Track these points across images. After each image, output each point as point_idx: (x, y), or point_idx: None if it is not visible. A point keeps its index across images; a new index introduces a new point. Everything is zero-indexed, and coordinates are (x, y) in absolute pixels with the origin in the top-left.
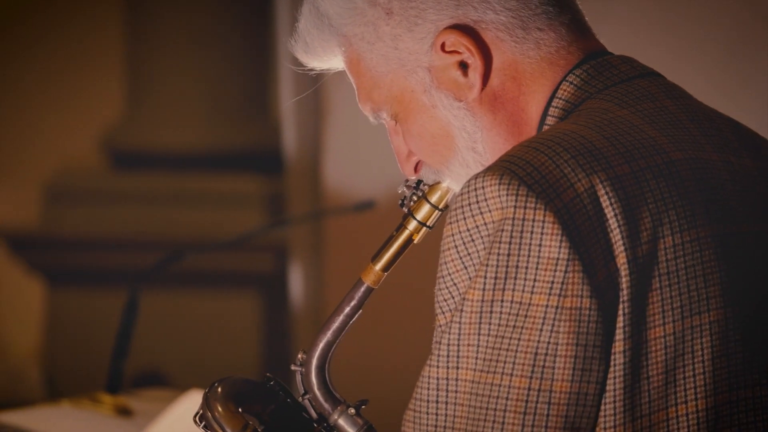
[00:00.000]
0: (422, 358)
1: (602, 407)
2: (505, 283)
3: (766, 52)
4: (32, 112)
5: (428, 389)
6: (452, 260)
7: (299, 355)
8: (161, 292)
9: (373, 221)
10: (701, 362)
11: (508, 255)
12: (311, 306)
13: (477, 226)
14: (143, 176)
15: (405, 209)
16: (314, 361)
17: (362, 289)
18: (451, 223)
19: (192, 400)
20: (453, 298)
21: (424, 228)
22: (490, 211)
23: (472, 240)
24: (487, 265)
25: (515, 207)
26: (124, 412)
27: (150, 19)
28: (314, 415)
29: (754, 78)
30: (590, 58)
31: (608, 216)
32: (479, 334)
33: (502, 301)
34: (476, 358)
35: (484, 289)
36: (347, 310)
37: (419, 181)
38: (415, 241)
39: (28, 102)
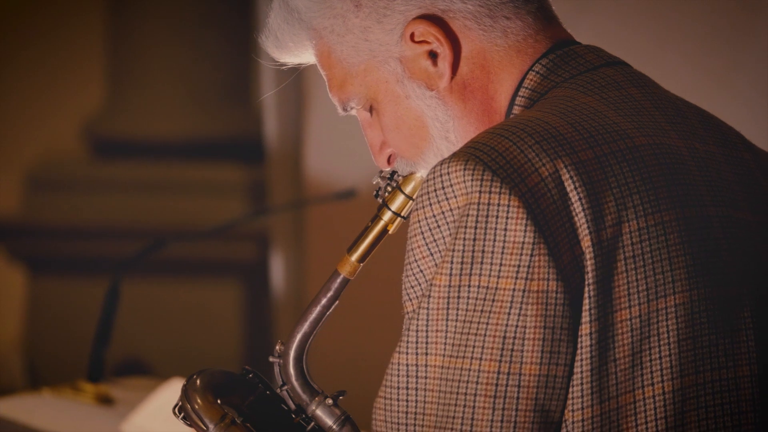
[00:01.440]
0: None
1: (570, 389)
2: (471, 268)
3: (750, 39)
4: (13, 100)
5: (398, 376)
6: (418, 247)
7: (277, 347)
8: (143, 280)
9: (354, 210)
10: (667, 344)
11: (474, 240)
12: (292, 294)
13: (443, 212)
14: (125, 164)
15: (380, 200)
16: (292, 353)
17: (338, 280)
18: (417, 209)
19: (173, 389)
20: (420, 284)
21: (399, 218)
22: (455, 197)
23: (438, 226)
24: (453, 251)
25: (480, 192)
26: (106, 400)
27: (131, 7)
28: (293, 405)
29: (741, 65)
30: (557, 47)
31: (573, 200)
32: (447, 320)
33: (469, 286)
34: (445, 344)
35: (450, 275)
36: (324, 301)
37: (393, 172)
38: (390, 232)
39: (8, 90)
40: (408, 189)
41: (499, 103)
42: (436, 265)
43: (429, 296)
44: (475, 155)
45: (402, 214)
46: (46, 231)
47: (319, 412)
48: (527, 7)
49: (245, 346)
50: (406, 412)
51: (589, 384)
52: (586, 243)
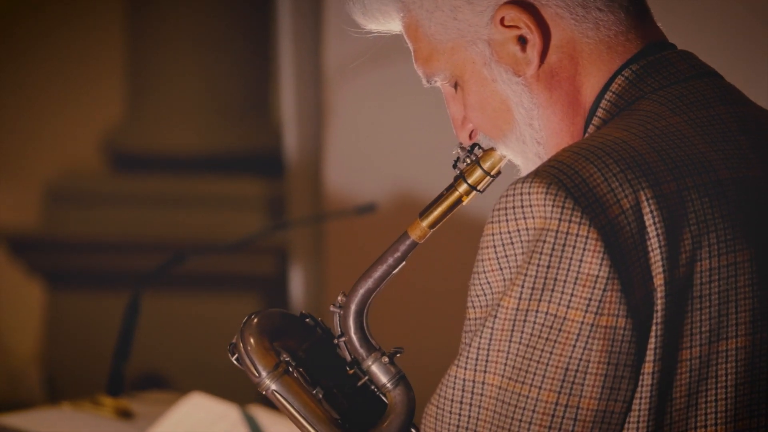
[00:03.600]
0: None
1: (626, 426)
2: (542, 294)
3: (764, 51)
4: (33, 114)
5: (453, 389)
6: (489, 259)
7: (339, 298)
8: (162, 294)
9: (374, 224)
10: (724, 387)
11: (548, 267)
12: (312, 308)
13: (518, 230)
14: (144, 178)
15: (457, 171)
16: (353, 306)
17: (407, 242)
18: (492, 222)
19: (193, 403)
20: (485, 295)
21: (474, 191)
22: (533, 218)
23: (512, 243)
24: (525, 275)
25: (560, 220)
26: (125, 414)
27: (151, 20)
28: (348, 357)
29: (754, 77)
30: (649, 49)
31: (651, 235)
32: (510, 341)
33: (537, 311)
34: (505, 365)
35: (520, 298)
36: (390, 260)
37: (474, 145)
38: (464, 203)
39: (29, 103)
40: (486, 165)
41: (585, 97)
42: (504, 280)
43: (495, 316)
44: (559, 178)
45: (478, 188)
46: (65, 245)
47: (375, 368)
48: (620, 1)
49: None
50: (458, 426)
51: (646, 423)
52: (659, 280)
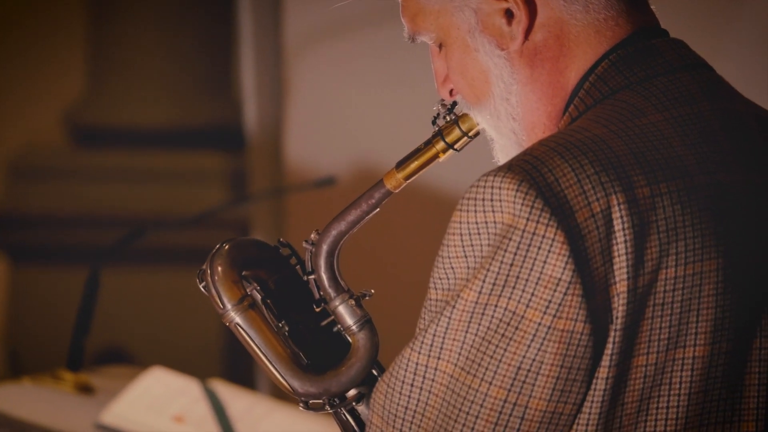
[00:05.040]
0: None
1: (575, 427)
2: (502, 290)
3: (733, 26)
4: None
5: (406, 370)
6: (455, 246)
7: (312, 235)
8: (123, 269)
9: (334, 197)
10: (677, 395)
11: (511, 265)
12: None
13: (486, 222)
14: (105, 153)
15: (435, 128)
16: (324, 246)
17: (382, 191)
18: (461, 210)
19: (153, 378)
20: (448, 279)
21: (451, 150)
22: (502, 213)
23: (479, 233)
24: (488, 269)
25: (528, 219)
26: (86, 389)
27: None
28: (317, 295)
29: (723, 52)
30: (638, 35)
31: (618, 241)
32: (467, 332)
33: (496, 306)
34: (459, 355)
35: (480, 292)
36: (364, 206)
37: (454, 103)
38: (440, 160)
39: None
40: (465, 126)
41: (567, 79)
42: (468, 267)
43: (454, 306)
44: (532, 176)
45: (455, 147)
46: (26, 220)
47: (341, 309)
48: None
49: (225, 335)
50: (406, 407)
51: (595, 426)
52: (622, 287)
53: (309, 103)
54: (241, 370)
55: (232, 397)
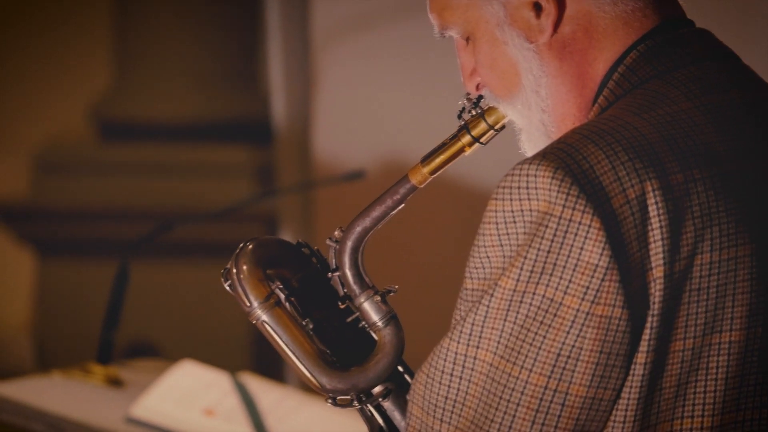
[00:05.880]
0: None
1: (614, 413)
2: (540, 278)
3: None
4: (21, 84)
5: (445, 360)
6: (490, 235)
7: (336, 232)
8: (150, 262)
9: (362, 191)
10: (714, 380)
11: (548, 252)
12: None
13: (522, 210)
14: (132, 147)
15: (461, 121)
16: (349, 242)
17: (407, 186)
18: (496, 198)
19: (183, 371)
20: (484, 268)
21: (477, 143)
22: (537, 200)
23: (514, 221)
24: (525, 257)
25: (564, 206)
26: (115, 382)
27: None
28: (341, 292)
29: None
30: (665, 26)
31: (654, 227)
32: (505, 320)
33: (533, 293)
34: (498, 343)
35: (518, 280)
36: (389, 202)
37: (480, 97)
38: (466, 154)
39: (17, 73)
40: (491, 119)
41: (596, 71)
42: (504, 256)
43: (492, 295)
44: (566, 163)
45: (481, 140)
46: (54, 214)
47: (366, 306)
48: None
49: (253, 328)
50: (446, 397)
51: (634, 411)
52: (658, 272)
53: (337, 97)
54: (269, 363)
55: (262, 390)
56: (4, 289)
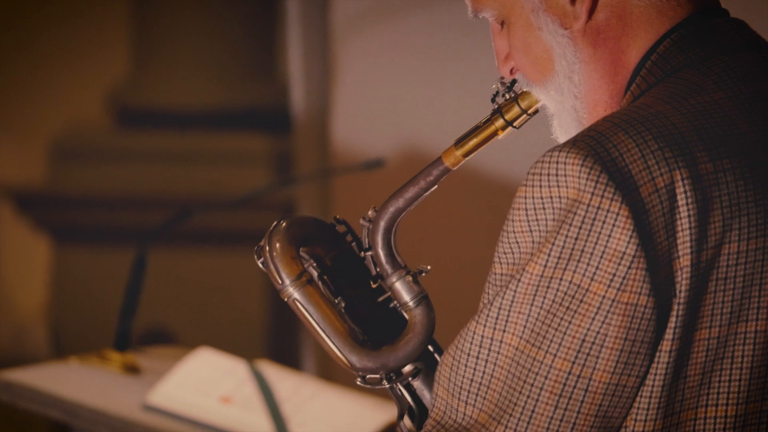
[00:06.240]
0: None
1: (638, 400)
2: (567, 264)
3: None
4: (39, 70)
5: (471, 343)
6: (520, 220)
7: (369, 212)
8: (168, 250)
9: (382, 179)
10: (739, 369)
11: (576, 239)
12: None
13: (551, 197)
14: (150, 134)
15: (495, 105)
16: (382, 222)
17: (440, 168)
18: (526, 185)
19: (200, 358)
20: (513, 253)
21: (510, 127)
22: (567, 188)
23: (543, 208)
24: (553, 243)
25: (593, 194)
26: (132, 369)
27: None
28: (373, 271)
29: None
30: (698, 15)
31: (682, 215)
32: (532, 305)
33: (561, 279)
34: (524, 327)
35: (545, 266)
36: (422, 183)
37: (514, 81)
38: (499, 137)
39: (35, 59)
40: (524, 103)
41: (629, 59)
42: (533, 242)
43: (519, 280)
44: (596, 151)
45: (514, 124)
46: (71, 201)
47: (398, 285)
48: None
49: (270, 316)
50: (471, 380)
51: (658, 399)
52: (685, 261)
53: (356, 85)
54: (286, 351)
55: (279, 378)
56: (21, 276)
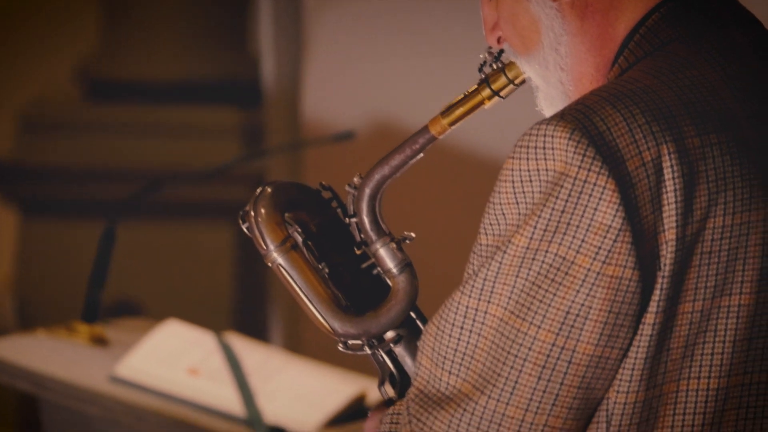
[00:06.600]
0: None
1: (621, 372)
2: (553, 236)
3: None
4: (7, 42)
5: (456, 314)
6: (506, 192)
7: (355, 179)
8: (137, 222)
9: (352, 152)
10: (722, 342)
11: (563, 211)
12: None
13: (538, 170)
14: (120, 107)
15: (482, 75)
16: (367, 189)
17: (426, 136)
18: (513, 157)
19: (168, 330)
20: (499, 224)
21: (496, 97)
22: (554, 161)
23: (530, 180)
24: (539, 216)
25: (579, 167)
26: (100, 341)
27: None
28: (358, 238)
29: None
30: None
31: (668, 189)
32: (517, 276)
33: (546, 251)
34: (509, 299)
35: (531, 237)
36: (408, 151)
37: (501, 51)
38: (485, 107)
39: (3, 32)
40: (511, 74)
41: (617, 32)
42: (519, 213)
43: (505, 251)
44: (584, 125)
45: (501, 94)
46: (39, 173)
47: (382, 252)
48: None
49: (239, 288)
50: (455, 350)
51: (641, 371)
52: (670, 235)
53: (327, 58)
54: (253, 324)
55: (247, 350)
56: None
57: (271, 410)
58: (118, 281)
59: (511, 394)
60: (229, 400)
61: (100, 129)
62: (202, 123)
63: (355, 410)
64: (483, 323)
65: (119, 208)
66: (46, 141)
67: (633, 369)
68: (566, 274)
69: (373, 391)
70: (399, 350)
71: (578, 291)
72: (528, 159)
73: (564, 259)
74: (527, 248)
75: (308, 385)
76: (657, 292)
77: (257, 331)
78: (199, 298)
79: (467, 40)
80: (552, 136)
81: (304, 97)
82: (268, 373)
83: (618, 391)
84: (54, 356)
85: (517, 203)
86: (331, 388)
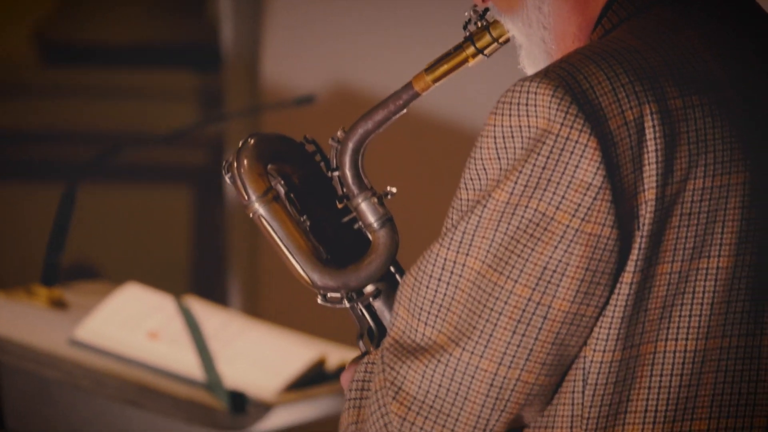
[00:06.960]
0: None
1: (597, 330)
2: (533, 192)
3: None
4: None
5: (434, 265)
6: (488, 148)
7: (338, 133)
8: (95, 185)
9: (312, 115)
10: (700, 304)
11: (543, 168)
12: None
13: (520, 126)
14: (77, 70)
15: (466, 33)
16: (350, 143)
17: (410, 92)
18: (495, 114)
19: (128, 294)
20: (480, 179)
21: (480, 55)
22: (536, 117)
23: (512, 136)
24: (520, 172)
25: (562, 125)
26: (59, 304)
27: None
28: (340, 192)
29: None
30: None
31: (649, 149)
32: (496, 230)
33: (526, 207)
34: (487, 252)
35: (512, 193)
36: (391, 107)
37: (486, 10)
38: (469, 65)
39: None
40: (495, 32)
41: None
42: (500, 169)
43: (484, 205)
44: (567, 83)
45: (485, 52)
46: None
47: (364, 206)
48: None
49: (198, 252)
50: (432, 301)
51: (617, 330)
52: (650, 195)
53: (287, 21)
54: (213, 287)
55: (207, 314)
56: None
57: (230, 374)
58: (77, 244)
59: (485, 347)
60: (188, 364)
61: (57, 92)
62: (161, 86)
63: (315, 375)
64: (460, 276)
65: (78, 171)
66: (3, 104)
67: (610, 328)
68: (545, 230)
69: (333, 356)
70: (378, 304)
71: (556, 247)
72: (510, 115)
73: (543, 215)
74: (507, 203)
75: (268, 350)
76: (635, 251)
77: (216, 295)
78: (158, 261)
79: (427, 4)
80: (535, 93)
81: (264, 60)
82: (227, 337)
83: (595, 350)
84: (13, 319)
85: (499, 158)
86: (290, 353)
